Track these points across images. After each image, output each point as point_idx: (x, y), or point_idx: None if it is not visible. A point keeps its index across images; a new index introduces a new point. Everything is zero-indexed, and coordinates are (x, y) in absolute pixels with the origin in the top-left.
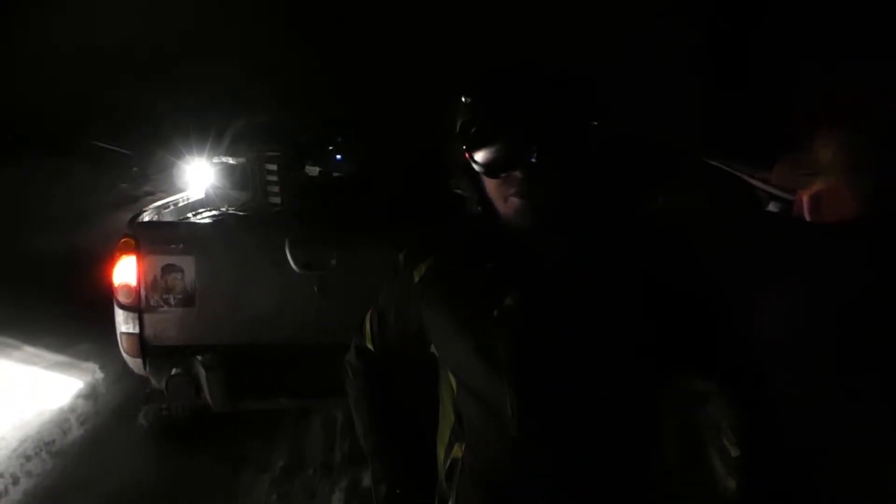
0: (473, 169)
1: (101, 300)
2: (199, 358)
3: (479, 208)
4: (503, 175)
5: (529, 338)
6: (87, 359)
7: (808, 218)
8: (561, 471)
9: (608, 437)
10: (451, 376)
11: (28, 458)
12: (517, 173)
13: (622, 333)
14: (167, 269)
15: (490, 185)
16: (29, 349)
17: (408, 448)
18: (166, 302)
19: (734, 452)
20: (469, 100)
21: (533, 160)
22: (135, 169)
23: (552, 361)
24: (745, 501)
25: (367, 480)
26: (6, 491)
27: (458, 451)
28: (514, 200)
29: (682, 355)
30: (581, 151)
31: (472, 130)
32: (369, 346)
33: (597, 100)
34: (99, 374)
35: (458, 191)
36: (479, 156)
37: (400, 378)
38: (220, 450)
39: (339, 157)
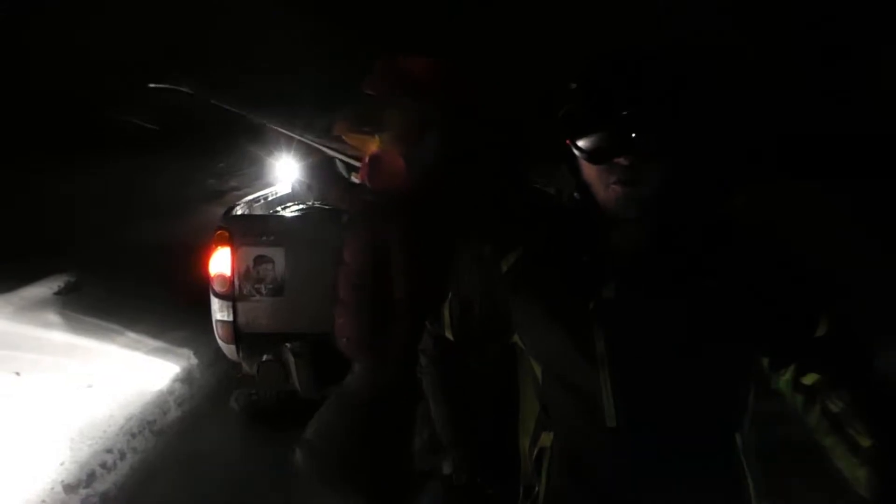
0: (573, 156)
1: (195, 289)
2: (289, 345)
3: (577, 196)
4: (607, 163)
5: (627, 330)
6: (182, 345)
7: (365, 181)
8: (657, 459)
9: (705, 426)
10: (535, 366)
11: (133, 436)
12: (622, 160)
13: (718, 326)
14: (259, 259)
15: (591, 172)
16: (131, 335)
17: (488, 438)
18: (258, 291)
19: (865, 443)
20: (576, 85)
21: (639, 147)
22: (221, 164)
23: (649, 353)
24: (883, 490)
25: (447, 468)
26: (115, 465)
27: (546, 439)
28: (616, 188)
29: (784, 349)
30: (687, 142)
31: (578, 117)
32: (448, 334)
33: (706, 90)
34: (193, 360)
35: (538, 185)
36: (584, 142)
37: (478, 367)
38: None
39: None
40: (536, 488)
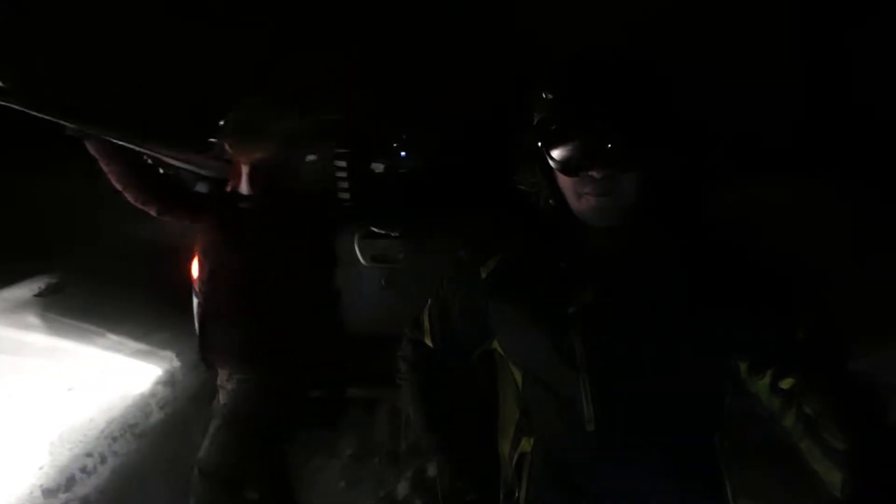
0: (547, 164)
1: (178, 291)
2: None
3: (552, 202)
4: (581, 174)
5: (605, 334)
6: (165, 347)
7: (242, 189)
8: (636, 462)
9: (683, 428)
10: (515, 371)
11: (114, 439)
12: (594, 173)
13: (695, 332)
14: None
15: (565, 182)
16: (113, 337)
17: (468, 443)
18: None
19: (840, 446)
20: (549, 96)
21: (613, 159)
22: None
23: (627, 358)
24: (856, 494)
25: (431, 470)
26: (95, 469)
27: (526, 445)
28: (590, 199)
29: (761, 354)
30: (662, 151)
31: (551, 128)
32: (427, 341)
33: (679, 102)
34: (176, 363)
35: (522, 187)
36: (557, 153)
37: (457, 373)
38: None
39: (403, 153)
40: (517, 493)
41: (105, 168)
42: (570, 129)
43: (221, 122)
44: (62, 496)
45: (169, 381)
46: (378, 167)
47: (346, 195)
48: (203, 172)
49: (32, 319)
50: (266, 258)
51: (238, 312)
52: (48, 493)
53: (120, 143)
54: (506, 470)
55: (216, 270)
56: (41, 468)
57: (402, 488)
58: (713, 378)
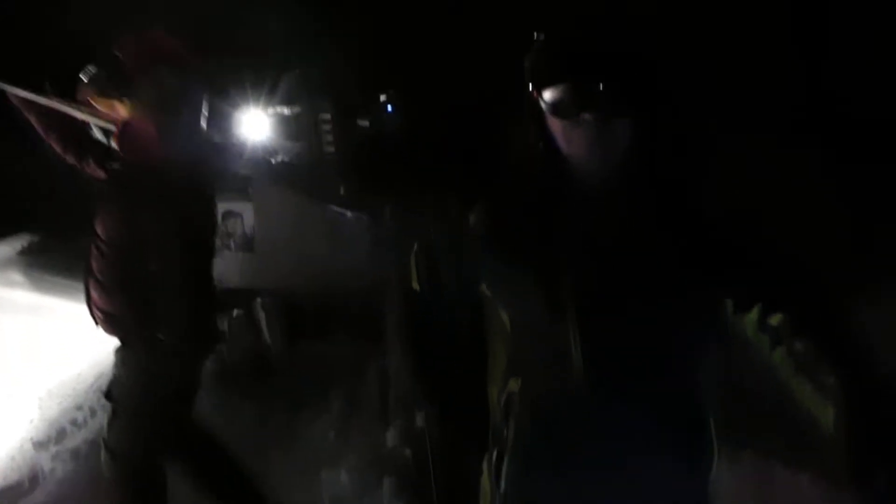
0: (540, 110)
1: None
2: (259, 300)
3: (542, 146)
4: (572, 117)
5: (594, 280)
6: None
7: (117, 147)
8: (622, 408)
9: (670, 378)
10: (504, 315)
11: (103, 393)
12: (585, 115)
13: (683, 274)
14: (227, 214)
15: (556, 125)
16: None
17: (458, 388)
18: (227, 246)
19: (830, 381)
20: (542, 36)
21: (605, 103)
22: None
23: (616, 303)
24: (849, 427)
25: (420, 421)
26: (85, 422)
27: (514, 384)
28: (581, 144)
29: (749, 290)
30: (655, 101)
31: (544, 67)
32: (415, 286)
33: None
34: None
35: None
36: (548, 94)
37: (445, 319)
38: (278, 393)
39: (389, 108)
40: (505, 433)
41: (29, 119)
42: (562, 69)
43: (90, 69)
44: (53, 448)
45: None
46: (364, 123)
47: (331, 150)
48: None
49: (16, 276)
50: (122, 225)
51: (98, 276)
52: (39, 445)
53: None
54: (494, 414)
55: (93, 229)
56: (31, 421)
57: (391, 438)
58: (702, 323)
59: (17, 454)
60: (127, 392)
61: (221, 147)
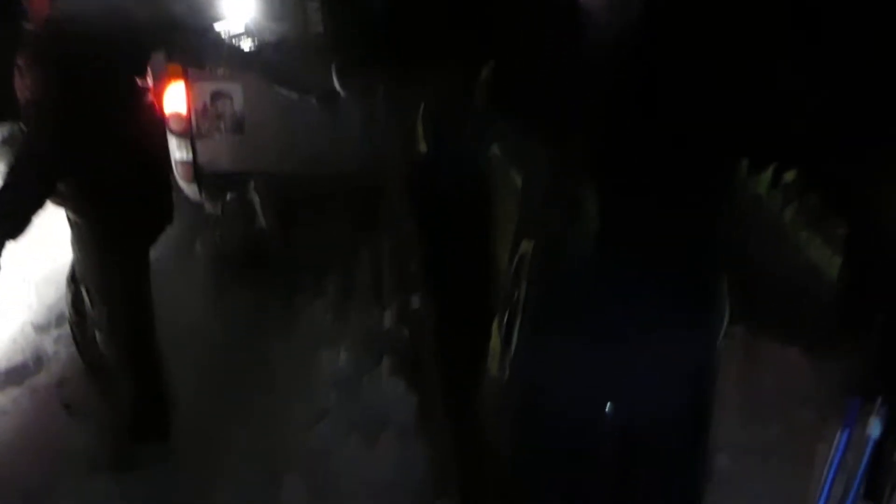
0: None
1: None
2: (253, 183)
3: None
4: None
5: (608, 130)
6: None
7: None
8: (637, 265)
9: (686, 234)
10: (515, 175)
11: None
12: None
13: (700, 125)
14: (216, 95)
15: None
16: None
17: (463, 249)
18: (217, 129)
19: (842, 230)
20: None
21: None
22: None
23: (633, 154)
24: (855, 276)
25: (415, 302)
26: None
27: (526, 246)
28: None
29: (766, 145)
30: None
31: None
32: (421, 147)
33: None
34: None
35: None
36: None
37: (452, 180)
38: (273, 278)
39: None
40: (516, 295)
41: None
42: None
43: None
44: (54, 332)
45: None
46: None
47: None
48: None
49: (2, 167)
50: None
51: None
52: (39, 329)
53: None
54: (504, 278)
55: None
56: (29, 307)
57: (388, 319)
58: (715, 180)
59: (18, 337)
60: (88, 272)
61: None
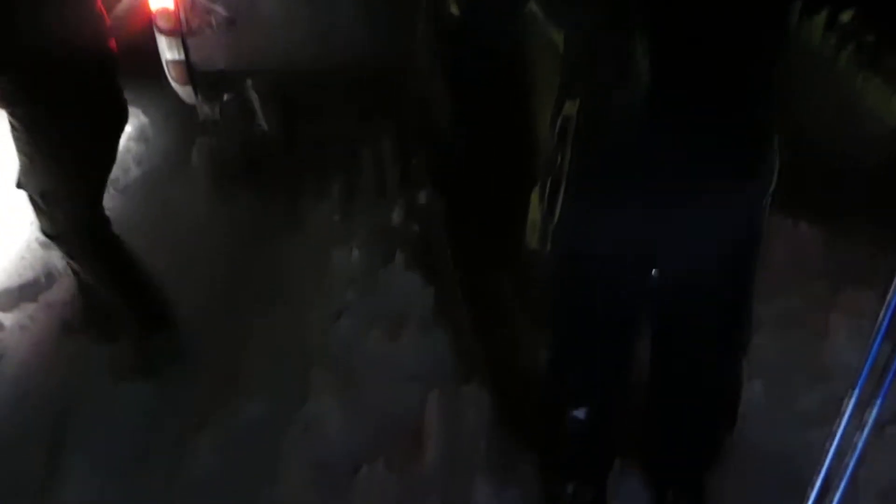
0: None
1: (140, 49)
2: (251, 82)
3: None
4: None
5: None
6: (130, 103)
7: None
8: (688, 115)
9: (739, 87)
10: (556, 34)
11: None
12: None
13: None
14: None
15: None
16: None
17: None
18: (208, 24)
19: None
20: None
21: None
22: None
23: (685, 11)
24: None
25: (422, 198)
26: None
27: (570, 108)
28: None
29: None
30: None
31: None
32: (453, 10)
33: None
34: (144, 118)
35: None
36: None
37: (486, 44)
38: (276, 181)
39: None
40: (558, 160)
41: None
42: None
43: None
44: None
45: (140, 137)
46: None
47: None
48: None
49: None
50: None
51: None
52: (45, 244)
53: None
54: (547, 143)
55: None
56: (32, 223)
57: (397, 216)
58: (769, 28)
59: (26, 254)
60: (30, 176)
61: None
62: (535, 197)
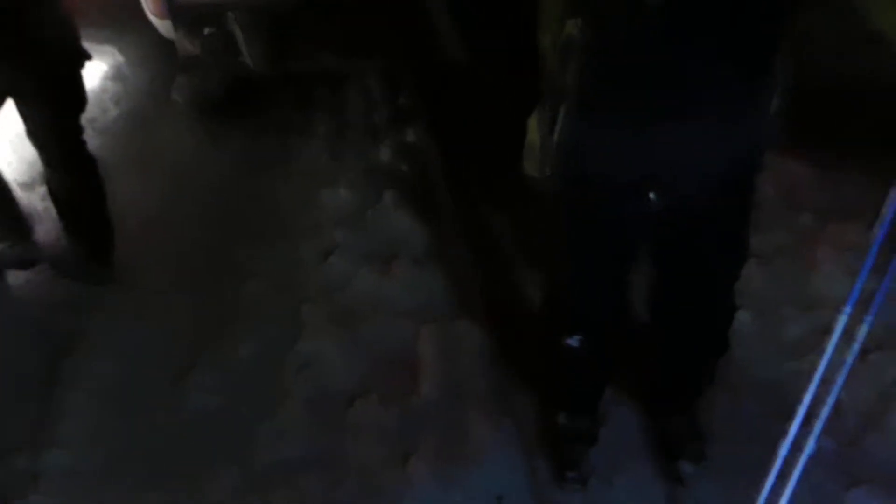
0: None
1: None
2: (233, 15)
3: None
4: None
5: None
6: (104, 42)
7: None
8: (694, 44)
9: (748, 20)
10: None
11: None
12: None
13: None
14: None
15: None
16: None
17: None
18: None
19: None
20: None
21: None
22: None
23: None
24: None
25: (410, 137)
26: None
27: (572, 27)
28: None
29: None
30: None
31: None
32: None
33: None
34: (120, 57)
35: None
36: None
37: None
38: (262, 120)
39: None
40: (562, 80)
41: None
42: None
43: None
44: (39, 189)
45: (117, 76)
46: None
47: None
48: None
49: None
50: None
51: None
52: (25, 186)
53: None
54: (548, 63)
55: None
56: (10, 164)
57: (385, 155)
58: None
59: None
60: None
61: None
62: (532, 121)
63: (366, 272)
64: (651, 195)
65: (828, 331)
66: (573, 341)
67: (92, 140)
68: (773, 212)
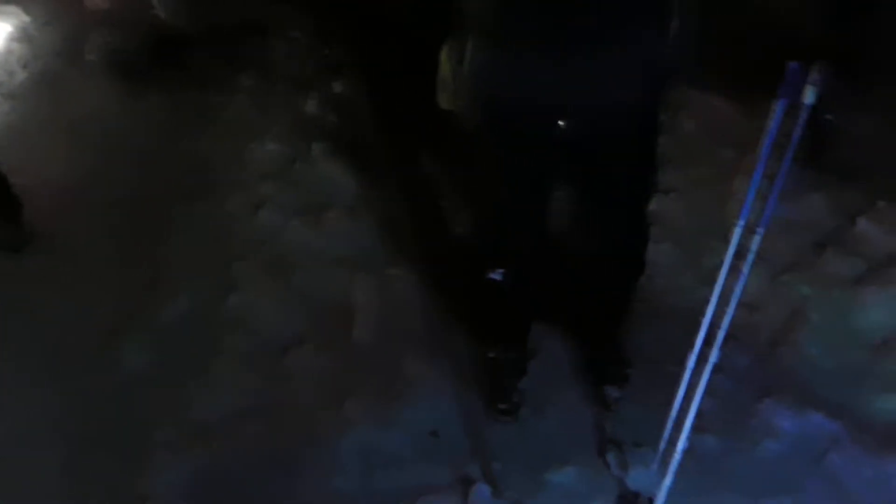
0: None
1: None
2: None
3: None
4: None
5: None
6: (7, 1)
7: None
8: None
9: None
10: None
11: None
12: None
13: None
14: None
15: None
16: None
17: None
18: None
19: None
20: None
21: None
22: None
23: None
24: None
25: (338, 87)
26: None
27: None
28: None
29: None
30: None
31: None
32: None
33: None
34: (25, 17)
35: None
36: None
37: None
38: (183, 76)
39: None
40: (470, 11)
41: None
42: None
43: None
44: None
45: (23, 37)
46: None
47: None
48: None
49: None
50: None
51: None
52: None
53: None
54: None
55: None
56: None
57: (312, 107)
58: None
59: None
60: None
61: None
62: (443, 54)
63: (297, 224)
64: (560, 122)
65: (742, 255)
66: (497, 275)
67: (2, 105)
68: (694, 147)
